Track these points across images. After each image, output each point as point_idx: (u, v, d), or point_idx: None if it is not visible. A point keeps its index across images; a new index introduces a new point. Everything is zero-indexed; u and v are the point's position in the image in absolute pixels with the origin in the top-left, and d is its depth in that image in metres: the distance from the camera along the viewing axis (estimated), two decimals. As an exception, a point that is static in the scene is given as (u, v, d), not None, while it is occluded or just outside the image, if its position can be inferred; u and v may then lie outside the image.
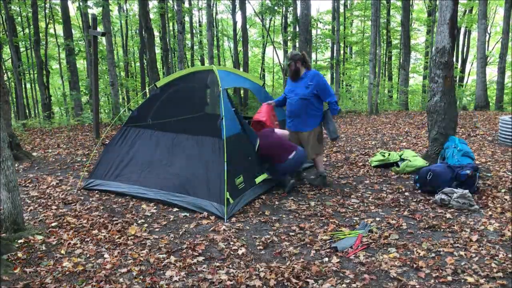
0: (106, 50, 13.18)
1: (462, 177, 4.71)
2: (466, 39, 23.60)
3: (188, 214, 4.22)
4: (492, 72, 22.81)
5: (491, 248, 3.41)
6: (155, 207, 4.43)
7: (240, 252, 3.40)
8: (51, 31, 20.60)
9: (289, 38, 18.36)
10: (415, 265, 3.13)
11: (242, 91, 18.64)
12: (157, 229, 3.89)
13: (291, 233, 3.79)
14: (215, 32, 22.31)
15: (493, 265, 3.12)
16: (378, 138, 8.64)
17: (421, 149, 7.18)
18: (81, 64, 23.59)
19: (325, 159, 6.73)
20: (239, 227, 3.91)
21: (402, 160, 6.18)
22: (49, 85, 18.66)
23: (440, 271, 3.05)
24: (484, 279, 2.92)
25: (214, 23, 22.87)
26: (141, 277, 3.01)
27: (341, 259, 3.28)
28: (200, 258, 3.28)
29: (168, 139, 4.86)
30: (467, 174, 4.70)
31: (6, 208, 3.57)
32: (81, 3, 13.54)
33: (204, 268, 3.14)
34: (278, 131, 5.10)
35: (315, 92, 4.95)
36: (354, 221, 4.09)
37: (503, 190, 4.90)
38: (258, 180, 4.76)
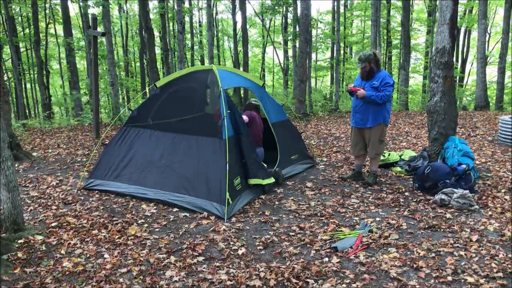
0: (106, 50, 13.18)
1: (459, 171, 4.81)
2: (466, 39, 23.60)
3: (188, 214, 4.22)
4: (492, 72, 22.81)
5: (491, 248, 3.41)
6: (155, 207, 4.43)
7: (240, 252, 3.40)
8: (51, 31, 20.60)
9: (289, 38, 18.37)
10: (415, 265, 3.13)
11: (242, 91, 18.63)
12: (157, 229, 3.89)
13: (291, 233, 3.79)
14: (215, 32, 22.31)
15: (493, 265, 3.12)
16: (378, 138, 8.62)
17: (421, 149, 7.17)
18: (81, 64, 23.60)
19: (325, 159, 6.73)
20: (239, 227, 3.92)
21: (402, 160, 6.18)
22: (49, 85, 18.66)
23: (440, 271, 3.05)
24: (484, 279, 2.93)
25: (214, 23, 22.88)
26: (141, 277, 3.01)
27: (341, 259, 3.28)
28: (200, 258, 3.28)
29: (168, 139, 4.86)
30: (464, 168, 4.84)
31: (6, 208, 3.57)
32: (81, 3, 13.54)
33: (204, 268, 3.14)
34: None
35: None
36: (354, 221, 4.09)
37: (503, 190, 4.90)
38: (252, 182, 4.69)
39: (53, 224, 3.95)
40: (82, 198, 4.79)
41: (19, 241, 3.50)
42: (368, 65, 5.01)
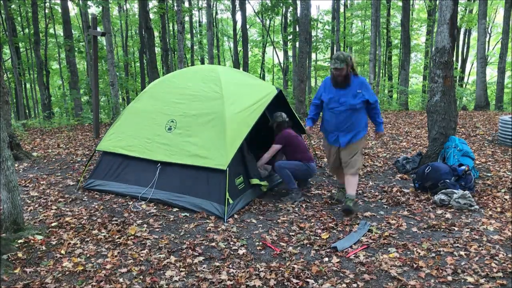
0: (106, 50, 13.18)
1: (459, 172, 4.82)
2: (466, 39, 23.61)
3: (188, 214, 4.22)
4: (492, 72, 22.82)
5: (491, 248, 3.41)
6: (155, 207, 4.43)
7: (240, 252, 3.40)
8: (51, 31, 20.60)
9: (289, 38, 18.36)
10: (415, 265, 3.13)
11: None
12: (157, 229, 3.88)
13: (291, 233, 3.79)
14: (215, 32, 22.30)
15: (493, 265, 3.12)
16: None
17: (421, 149, 7.18)
18: (81, 64, 23.60)
19: (325, 160, 6.73)
20: (239, 227, 3.92)
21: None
22: (49, 85, 18.66)
23: (440, 271, 3.05)
24: (484, 279, 2.93)
25: (214, 23, 22.88)
26: (141, 277, 3.01)
27: (341, 259, 3.28)
28: (200, 258, 3.28)
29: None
30: (464, 169, 4.84)
31: (6, 208, 3.57)
32: (81, 2, 13.54)
33: (204, 268, 3.14)
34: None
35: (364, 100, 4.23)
36: (354, 220, 4.08)
37: (503, 190, 4.90)
38: (254, 182, 4.65)
39: (53, 224, 3.95)
40: (82, 198, 4.79)
41: (19, 241, 3.50)
42: (346, 68, 4.14)
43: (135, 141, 4.88)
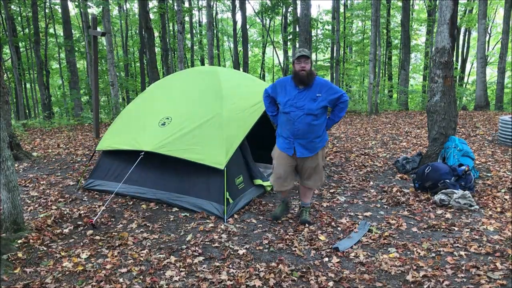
0: (106, 50, 13.18)
1: (459, 172, 4.82)
2: (466, 39, 23.60)
3: (188, 214, 4.22)
4: (492, 72, 22.81)
5: (491, 248, 3.41)
6: (155, 207, 4.43)
7: (240, 252, 3.40)
8: (51, 31, 20.61)
9: (289, 38, 18.37)
10: (415, 265, 3.13)
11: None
12: (157, 229, 3.88)
13: (290, 233, 3.79)
14: (215, 32, 22.30)
15: (493, 265, 3.12)
16: (378, 138, 8.63)
17: (421, 149, 7.18)
18: (81, 64, 23.59)
19: (327, 159, 6.73)
20: (239, 227, 3.91)
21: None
22: (49, 85, 18.66)
23: (440, 271, 3.05)
24: (484, 279, 2.92)
25: (214, 23, 22.88)
26: (141, 277, 3.01)
27: (341, 259, 3.28)
28: (200, 258, 3.28)
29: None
30: (464, 169, 4.84)
31: (6, 208, 3.57)
32: (81, 2, 13.54)
33: (204, 268, 3.14)
34: None
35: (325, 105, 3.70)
36: (354, 220, 4.08)
37: (503, 190, 4.90)
38: (257, 182, 4.74)
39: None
40: (82, 198, 4.79)
41: (19, 241, 3.50)
42: (310, 64, 3.64)
43: (127, 135, 4.86)
